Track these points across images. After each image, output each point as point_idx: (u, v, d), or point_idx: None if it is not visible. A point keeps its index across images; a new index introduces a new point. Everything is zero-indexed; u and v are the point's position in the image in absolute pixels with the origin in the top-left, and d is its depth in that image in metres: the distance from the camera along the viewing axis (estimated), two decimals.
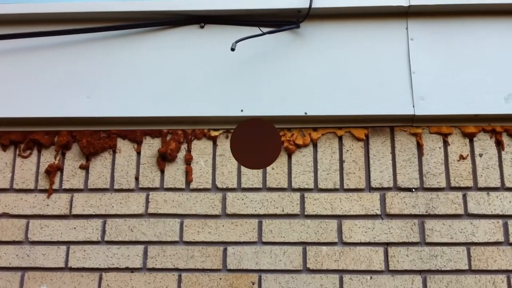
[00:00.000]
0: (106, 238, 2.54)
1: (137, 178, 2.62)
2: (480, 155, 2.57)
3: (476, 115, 2.56)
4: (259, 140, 2.60)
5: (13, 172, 2.66)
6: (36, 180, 2.64)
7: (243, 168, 2.61)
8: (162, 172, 2.62)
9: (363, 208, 2.52)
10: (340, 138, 2.62)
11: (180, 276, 2.48)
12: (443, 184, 2.54)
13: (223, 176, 2.60)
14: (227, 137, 2.65)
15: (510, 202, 2.50)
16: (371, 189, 2.55)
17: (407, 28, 2.68)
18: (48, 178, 2.64)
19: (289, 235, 2.50)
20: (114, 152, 2.66)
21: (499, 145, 2.57)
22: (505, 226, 2.48)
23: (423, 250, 2.46)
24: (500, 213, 2.49)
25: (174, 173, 2.62)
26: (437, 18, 2.69)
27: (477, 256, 2.44)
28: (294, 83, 2.62)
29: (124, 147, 2.66)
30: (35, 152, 2.68)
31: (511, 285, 2.41)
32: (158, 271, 2.49)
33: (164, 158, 2.63)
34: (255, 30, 2.65)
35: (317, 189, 2.56)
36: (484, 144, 2.58)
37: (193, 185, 2.60)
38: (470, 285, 2.41)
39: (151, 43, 2.73)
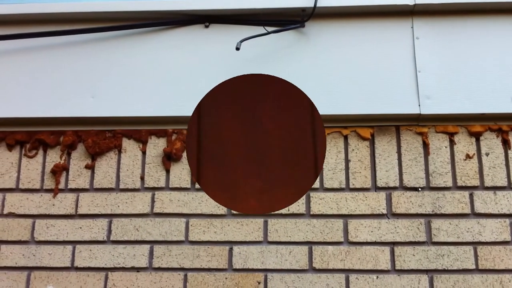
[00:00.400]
0: (112, 238, 2.54)
1: (142, 178, 2.62)
2: (487, 154, 2.56)
3: (482, 114, 2.55)
4: (264, 135, 2.59)
5: (19, 172, 2.66)
6: (42, 180, 2.65)
7: None
8: (168, 171, 2.62)
9: (369, 208, 2.52)
10: (346, 138, 2.62)
11: (186, 275, 2.48)
12: (449, 183, 2.53)
13: None
14: None
15: None
16: (377, 188, 2.54)
17: (412, 27, 2.67)
18: (53, 178, 2.64)
19: (294, 235, 2.50)
20: (120, 151, 2.66)
21: (506, 144, 2.57)
22: None
23: (429, 250, 2.45)
24: (507, 212, 2.48)
25: (180, 173, 2.61)
26: (442, 16, 2.68)
27: (484, 256, 2.43)
28: (299, 83, 2.61)
29: (130, 146, 2.66)
30: (40, 152, 2.68)
31: None
32: (164, 271, 2.49)
33: (169, 158, 2.62)
34: (260, 30, 2.65)
35: (323, 188, 2.56)
36: (491, 143, 2.57)
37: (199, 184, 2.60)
38: (477, 284, 2.40)
39: (156, 43, 2.73)
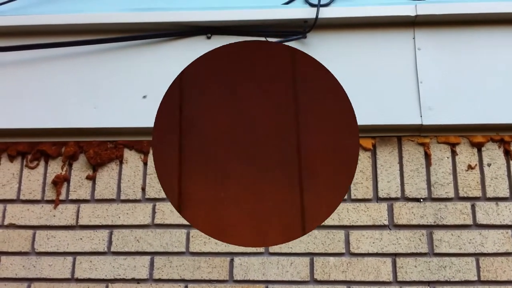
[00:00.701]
0: (112, 249, 2.53)
1: (143, 189, 2.61)
2: (489, 165, 2.55)
3: (484, 125, 2.55)
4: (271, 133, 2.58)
5: (20, 183, 2.66)
6: (43, 191, 2.64)
7: None
8: None
9: (371, 219, 2.50)
10: None
11: (186, 287, 2.47)
12: (451, 194, 2.52)
13: None
14: None
15: None
16: (378, 199, 2.53)
17: (414, 38, 2.67)
18: (55, 189, 2.63)
19: (296, 246, 2.49)
20: (121, 162, 2.66)
21: (508, 154, 2.55)
22: None
23: (431, 261, 2.44)
24: (509, 223, 2.47)
25: None
26: (444, 27, 2.68)
27: (486, 267, 2.42)
28: None
29: (131, 157, 2.66)
30: (42, 163, 2.68)
31: None
32: (165, 282, 2.48)
33: None
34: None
35: None
36: (493, 153, 2.56)
37: None
38: None
39: (159, 54, 2.73)
